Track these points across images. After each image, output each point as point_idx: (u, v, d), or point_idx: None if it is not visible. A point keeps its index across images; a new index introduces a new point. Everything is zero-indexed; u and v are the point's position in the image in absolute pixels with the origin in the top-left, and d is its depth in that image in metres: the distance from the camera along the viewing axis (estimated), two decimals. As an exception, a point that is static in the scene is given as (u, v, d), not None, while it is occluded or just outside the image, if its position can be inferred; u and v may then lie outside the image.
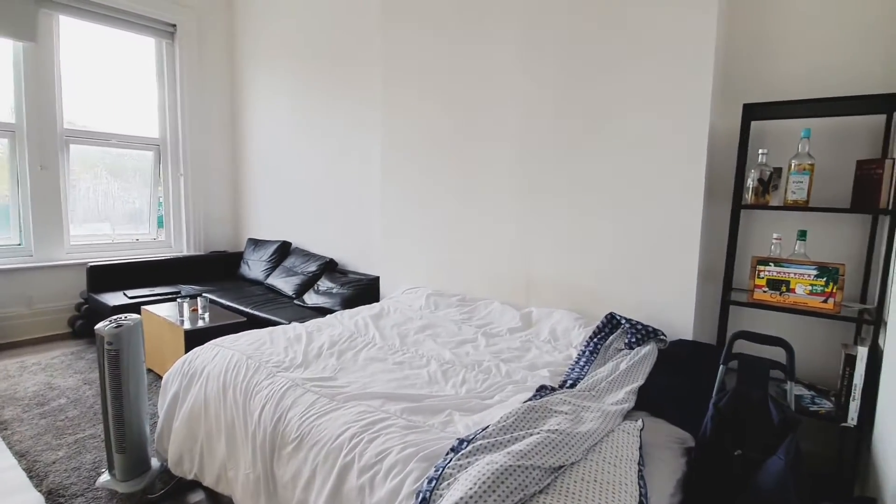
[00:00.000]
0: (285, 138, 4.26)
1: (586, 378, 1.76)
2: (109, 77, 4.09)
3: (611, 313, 2.17)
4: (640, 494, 1.15)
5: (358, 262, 3.79)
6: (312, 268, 3.80)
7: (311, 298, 3.46)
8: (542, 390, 1.59)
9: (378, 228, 3.46)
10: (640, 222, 2.23)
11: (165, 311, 2.99)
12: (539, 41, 2.44)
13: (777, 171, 1.91)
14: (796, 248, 1.85)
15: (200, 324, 2.75)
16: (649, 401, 1.65)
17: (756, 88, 2.07)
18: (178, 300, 2.77)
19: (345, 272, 3.76)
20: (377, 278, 3.42)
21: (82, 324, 3.70)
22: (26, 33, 3.49)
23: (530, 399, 1.50)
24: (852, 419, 1.70)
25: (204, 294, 3.18)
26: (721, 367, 1.48)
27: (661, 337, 2.04)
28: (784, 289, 1.82)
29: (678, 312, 2.15)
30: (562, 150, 2.43)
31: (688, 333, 2.14)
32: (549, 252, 2.52)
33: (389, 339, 2.22)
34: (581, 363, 1.94)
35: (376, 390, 1.65)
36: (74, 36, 3.84)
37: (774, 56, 2.04)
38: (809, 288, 1.77)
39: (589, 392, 1.61)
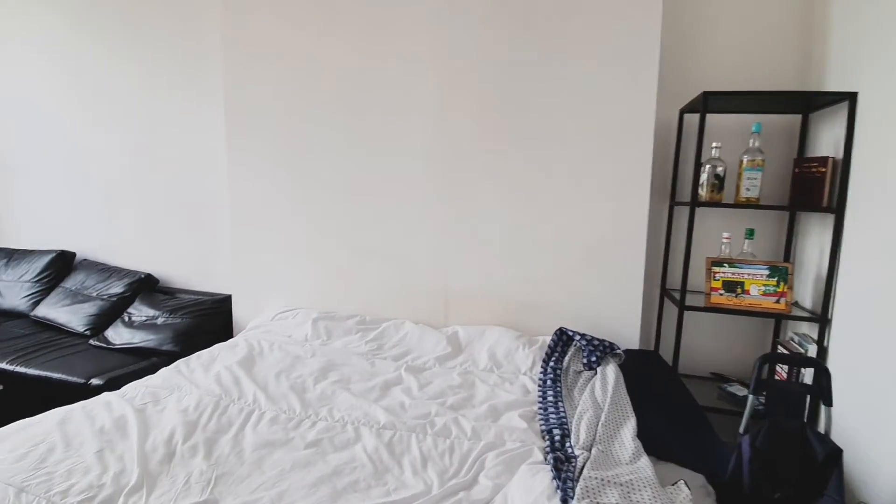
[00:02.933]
0: (58, 104, 2.90)
1: (574, 424, 1.37)
2: None
3: (560, 329, 1.85)
4: None
5: (191, 277, 2.78)
6: (117, 288, 2.65)
7: (119, 335, 2.37)
8: (560, 464, 1.14)
9: (226, 231, 2.56)
10: (580, 224, 1.95)
11: None
12: (463, 25, 1.96)
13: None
14: (745, 247, 1.78)
15: None
16: (647, 440, 1.35)
17: (687, 83, 1.95)
18: None
19: (170, 291, 2.72)
20: (227, 298, 2.51)
21: None
22: None
23: (559, 487, 1.04)
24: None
25: None
26: (750, 397, 1.24)
27: (617, 350, 1.79)
28: (739, 290, 1.72)
29: (623, 319, 1.94)
30: (490, 147, 1.99)
31: (634, 342, 1.94)
32: (474, 260, 2.08)
33: (281, 398, 1.50)
34: (549, 398, 1.56)
35: (302, 511, 0.98)
36: None
37: (703, 52, 1.95)
38: (762, 288, 1.71)
39: (604, 455, 1.22)
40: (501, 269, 2.06)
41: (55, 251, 2.89)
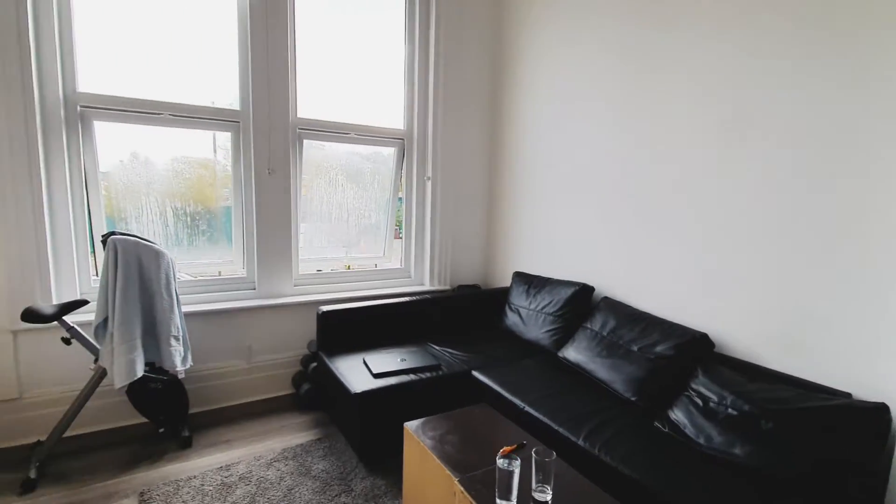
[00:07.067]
0: (593, 133, 2.61)
1: None
2: (343, 48, 2.97)
3: None
4: None
5: (761, 348, 1.91)
6: (663, 347, 2.05)
7: (698, 428, 1.69)
8: None
9: (845, 291, 1.54)
10: None
11: (446, 451, 1.55)
12: None
13: None
14: None
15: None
16: None
17: None
18: (500, 462, 1.25)
19: (737, 366, 1.92)
20: (876, 409, 1.48)
21: (309, 391, 2.62)
22: (260, -18, 2.49)
23: None
24: None
25: (544, 449, 1.64)
26: None
27: None
28: None
29: None
30: None
31: None
32: None
33: None
34: None
35: None
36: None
37: None
38: None
39: None
40: None
41: (576, 284, 2.60)
